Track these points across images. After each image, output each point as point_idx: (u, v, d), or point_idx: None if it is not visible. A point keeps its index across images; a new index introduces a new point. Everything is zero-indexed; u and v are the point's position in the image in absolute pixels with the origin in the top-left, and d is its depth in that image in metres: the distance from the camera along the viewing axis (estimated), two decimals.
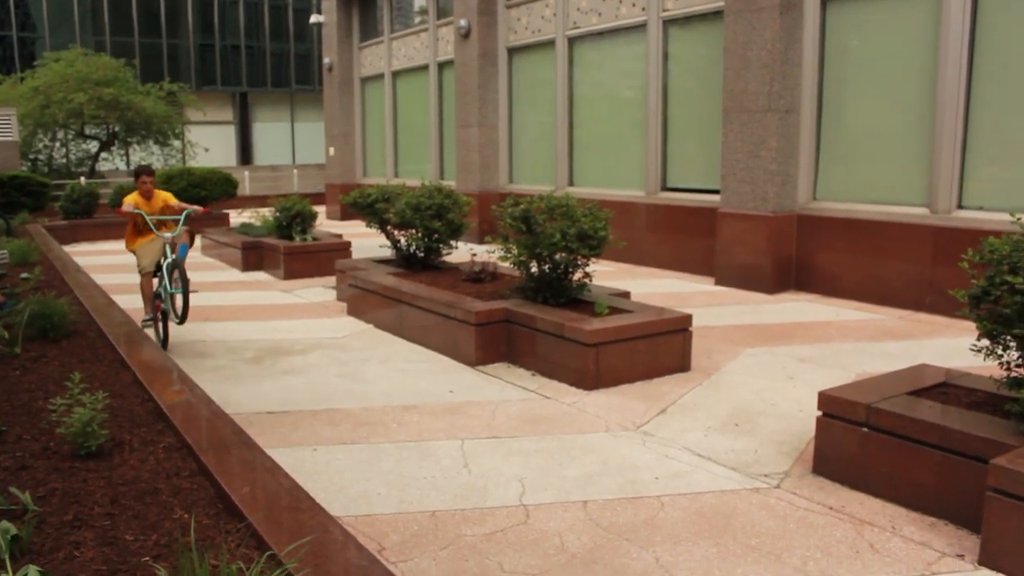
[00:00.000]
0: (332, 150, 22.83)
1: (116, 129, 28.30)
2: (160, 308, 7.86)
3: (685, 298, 9.93)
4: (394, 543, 4.02)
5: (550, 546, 3.99)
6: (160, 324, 7.94)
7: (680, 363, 6.91)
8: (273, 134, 45.06)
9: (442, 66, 18.51)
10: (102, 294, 9.47)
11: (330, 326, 8.99)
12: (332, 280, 11.20)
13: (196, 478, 4.23)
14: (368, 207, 10.22)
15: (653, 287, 10.76)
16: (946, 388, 4.87)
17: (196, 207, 8.16)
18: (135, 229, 8.14)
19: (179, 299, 7.72)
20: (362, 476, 4.85)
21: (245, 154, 44.17)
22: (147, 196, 8.09)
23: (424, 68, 19.20)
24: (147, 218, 7.79)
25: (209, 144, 33.39)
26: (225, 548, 3.23)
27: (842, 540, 4.03)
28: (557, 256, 7.29)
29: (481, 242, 15.70)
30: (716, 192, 11.39)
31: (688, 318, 6.97)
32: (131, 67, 28.84)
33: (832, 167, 10.34)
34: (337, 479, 4.81)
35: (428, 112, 19.07)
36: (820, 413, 4.77)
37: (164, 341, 7.91)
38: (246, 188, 29.54)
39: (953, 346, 7.49)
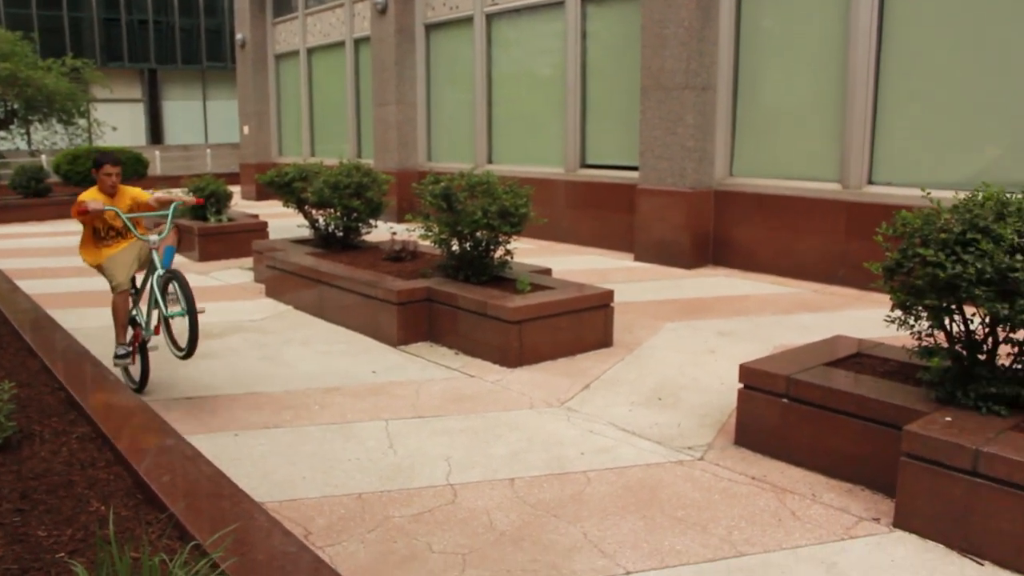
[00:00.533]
0: (246, 129, 22.34)
1: (15, 107, 27.16)
2: (140, 338, 6.02)
3: (605, 274, 10.01)
4: (321, 527, 3.96)
5: (479, 524, 3.98)
6: (139, 359, 6.07)
7: (602, 339, 6.96)
8: (184, 112, 43.81)
9: (359, 43, 18.23)
10: (5, 279, 9.10)
11: (248, 308, 8.81)
12: (249, 261, 10.98)
13: (112, 468, 4.09)
14: (285, 186, 10.03)
15: (574, 264, 10.81)
16: (861, 358, 5.01)
17: (185, 197, 6.37)
18: (95, 236, 6.13)
19: (178, 323, 5.70)
20: (286, 460, 4.77)
21: (155, 133, 42.89)
22: (110, 193, 6.05)
23: (340, 45, 18.88)
24: (124, 217, 5.86)
25: (117, 123, 32.24)
26: (146, 540, 3.13)
27: (765, 509, 4.12)
28: (478, 234, 7.26)
29: (401, 221, 15.50)
30: (635, 169, 11.48)
31: (610, 294, 7.01)
32: (29, 41, 27.68)
33: (748, 144, 10.51)
34: (260, 464, 4.72)
35: (345, 90, 18.77)
36: (741, 386, 4.85)
37: (143, 381, 6.10)
38: (157, 168, 28.73)
39: (865, 317, 7.71)
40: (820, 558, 3.66)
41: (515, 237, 7.50)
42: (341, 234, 9.57)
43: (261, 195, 20.74)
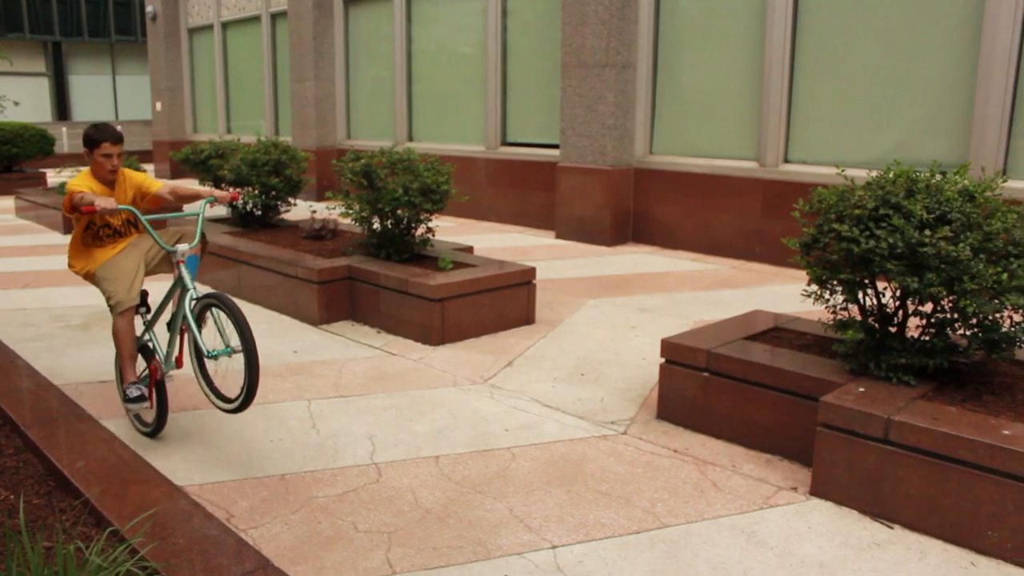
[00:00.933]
0: (159, 105, 21.71)
1: None
2: (159, 374, 4.62)
3: (527, 252, 10.03)
4: (243, 510, 3.90)
5: (404, 503, 3.97)
6: (155, 399, 4.65)
7: (525, 316, 6.98)
8: (92, 87, 42.31)
9: (275, 17, 17.83)
10: None
11: (162, 289, 8.58)
12: None
13: (23, 455, 3.97)
14: (201, 164, 9.78)
15: (495, 242, 10.81)
16: (778, 332, 5.12)
17: (218, 190, 4.88)
18: (91, 235, 4.78)
19: (225, 363, 4.60)
20: (206, 443, 4.68)
21: (62, 109, 41.37)
22: (108, 180, 4.71)
23: (256, 19, 18.45)
24: (143, 218, 4.48)
25: (19, 97, 31.06)
26: (60, 528, 3.04)
27: (687, 481, 4.19)
28: (399, 211, 7.20)
29: (321, 199, 15.35)
30: (556, 147, 11.51)
31: (531, 271, 7.03)
32: None
33: (667, 122, 10.62)
34: (180, 448, 4.62)
35: (262, 65, 18.37)
36: (663, 360, 4.92)
37: (159, 423, 4.70)
38: (64, 145, 27.75)
39: (782, 292, 7.88)
40: (740, 527, 3.75)
41: (436, 215, 7.46)
42: (259, 213, 9.39)
43: (176, 173, 20.22)
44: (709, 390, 4.70)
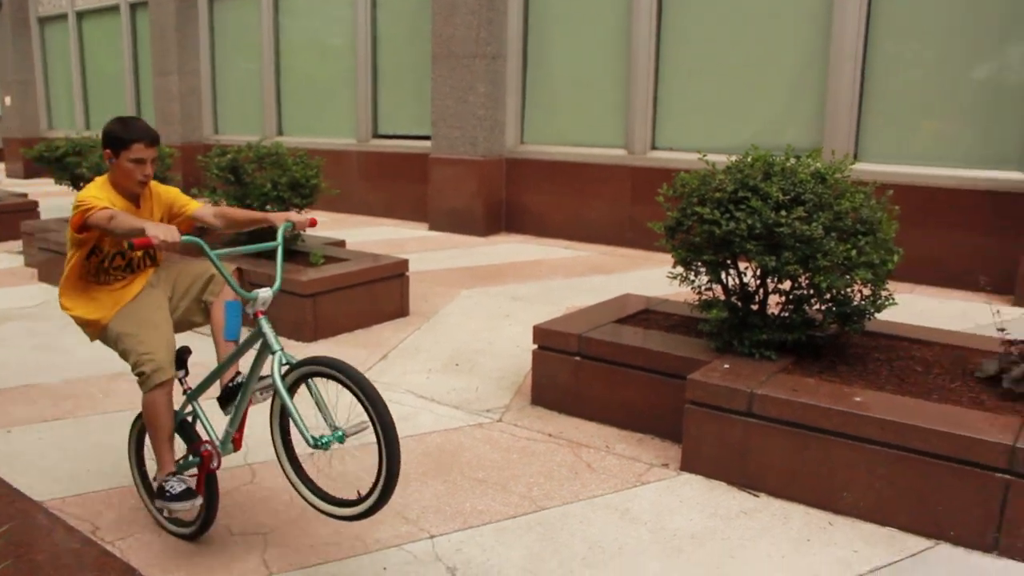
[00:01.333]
0: (8, 99, 20.59)
1: None
2: (214, 462, 3.52)
3: (400, 244, 9.98)
4: (110, 521, 3.76)
5: (279, 503, 3.90)
6: (204, 496, 3.49)
7: (399, 308, 6.94)
8: None
9: (135, 7, 17.14)
10: None
11: (20, 294, 8.18)
12: (18, 244, 10.18)
13: None
14: (57, 161, 9.36)
15: (368, 235, 10.70)
16: (648, 315, 5.25)
17: (296, 214, 3.62)
18: (94, 266, 3.63)
19: (335, 452, 3.75)
20: (69, 454, 4.49)
21: None
22: (131, 193, 3.62)
23: (115, 8, 17.69)
24: (213, 256, 3.26)
25: None
26: None
27: (562, 464, 4.26)
28: (268, 206, 7.05)
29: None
30: (427, 138, 11.47)
31: (404, 263, 7.00)
32: None
33: (538, 112, 10.71)
34: (39, 460, 4.41)
35: (122, 58, 17.65)
36: (535, 347, 4.97)
37: (203, 524, 3.56)
38: None
39: (652, 276, 8.07)
40: (615, 505, 3.83)
41: (307, 209, 7.33)
42: None
43: (30, 172, 19.24)
44: (581, 374, 4.78)
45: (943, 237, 7.67)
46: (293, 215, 3.57)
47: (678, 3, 9.30)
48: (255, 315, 3.27)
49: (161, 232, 3.03)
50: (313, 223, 3.64)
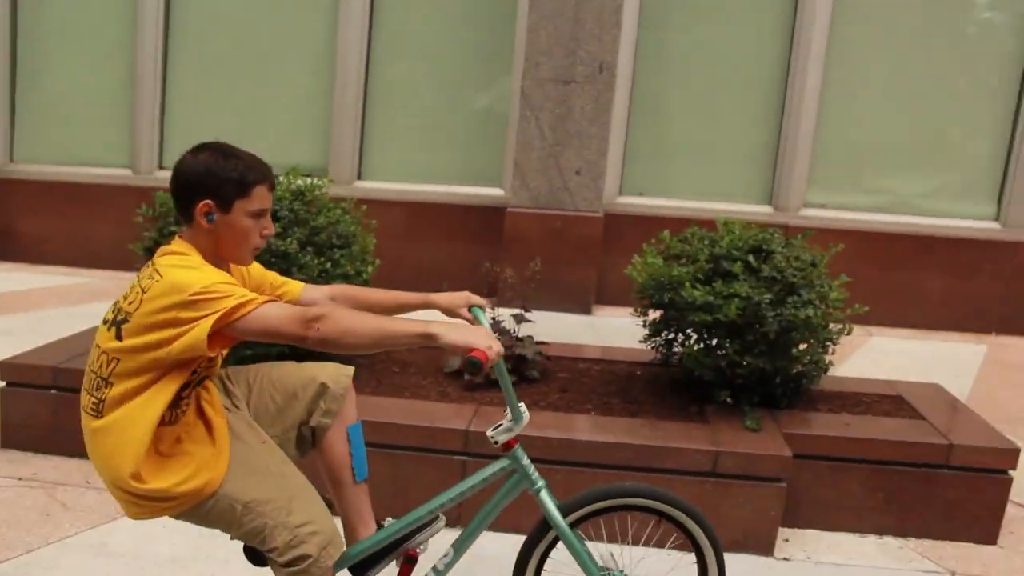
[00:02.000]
0: None
1: None
2: None
3: None
4: None
5: None
6: None
7: None
8: None
9: None
10: None
11: None
12: None
13: None
14: None
15: None
16: None
17: (474, 295, 2.70)
18: (168, 407, 2.22)
19: None
20: None
21: None
22: (226, 266, 2.39)
23: None
24: (502, 370, 2.35)
25: None
26: None
27: (32, 507, 3.92)
28: None
29: None
30: None
31: None
32: None
33: (32, 128, 9.80)
34: None
35: None
36: (3, 384, 4.53)
37: None
38: None
39: None
40: (90, 543, 3.61)
41: None
42: None
43: None
44: (60, 408, 4.44)
45: (441, 247, 8.38)
46: (474, 296, 2.66)
47: (185, 17, 9.08)
48: (507, 444, 2.41)
49: (495, 344, 2.06)
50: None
